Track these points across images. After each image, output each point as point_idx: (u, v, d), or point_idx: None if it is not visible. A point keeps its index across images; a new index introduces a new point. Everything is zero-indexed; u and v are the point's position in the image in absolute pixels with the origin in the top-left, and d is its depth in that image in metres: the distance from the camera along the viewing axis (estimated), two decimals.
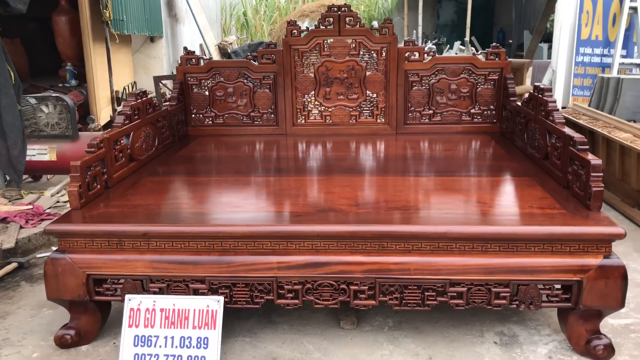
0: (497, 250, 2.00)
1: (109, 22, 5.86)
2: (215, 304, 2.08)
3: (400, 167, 2.83)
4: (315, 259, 2.04)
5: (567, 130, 2.36)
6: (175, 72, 9.07)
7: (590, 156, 2.13)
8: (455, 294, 2.04)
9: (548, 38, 12.38)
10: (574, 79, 8.04)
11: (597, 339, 2.08)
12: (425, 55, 3.44)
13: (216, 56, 9.60)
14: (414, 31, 13.98)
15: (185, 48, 10.18)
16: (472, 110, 3.49)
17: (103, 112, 6.22)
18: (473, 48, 11.47)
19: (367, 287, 2.05)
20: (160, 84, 6.67)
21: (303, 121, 3.56)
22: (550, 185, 2.39)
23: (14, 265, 2.90)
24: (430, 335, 2.26)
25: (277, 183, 2.59)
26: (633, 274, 2.78)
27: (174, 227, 2.06)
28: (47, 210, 3.55)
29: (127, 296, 2.11)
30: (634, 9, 7.79)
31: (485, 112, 3.48)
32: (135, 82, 7.42)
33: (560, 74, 8.11)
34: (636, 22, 7.82)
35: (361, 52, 3.44)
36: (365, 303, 2.08)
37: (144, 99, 2.90)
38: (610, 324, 2.32)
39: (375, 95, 3.50)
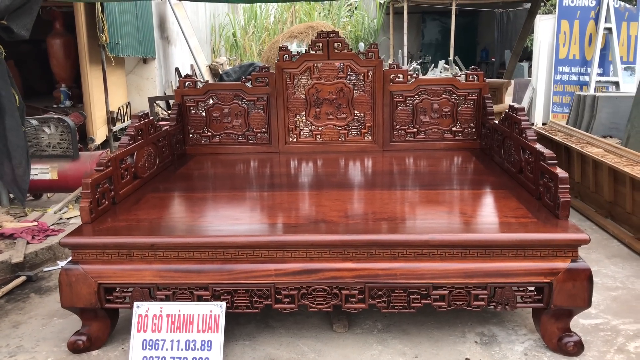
0: (475, 256, 2.20)
1: (105, 45, 6.06)
2: (217, 309, 2.26)
3: (387, 181, 3.03)
4: (309, 266, 2.23)
5: (538, 146, 2.59)
6: (166, 93, 9.30)
7: (558, 170, 2.35)
8: (438, 296, 2.24)
9: (529, 57, 12.78)
10: (553, 97, 8.35)
11: (568, 336, 2.28)
12: (409, 77, 3.67)
13: (207, 76, 9.82)
14: (400, 50, 14.34)
15: (177, 69, 10.41)
16: (454, 128, 3.71)
17: (99, 132, 6.40)
18: (457, 67, 11.81)
19: (357, 292, 2.24)
20: (155, 104, 6.85)
21: (295, 140, 3.77)
22: (524, 197, 2.60)
23: (22, 278, 3.05)
24: (416, 337, 2.45)
25: (272, 198, 2.78)
26: (604, 279, 3.00)
27: (180, 238, 2.24)
28: (52, 227, 3.70)
29: (135, 303, 2.28)
30: (609, 29, 8.14)
31: (465, 130, 3.71)
32: (129, 103, 7.62)
33: (540, 92, 8.42)
34: (611, 42, 8.16)
35: (349, 75, 3.67)
36: (355, 306, 2.27)
37: (146, 120, 3.09)
38: (581, 324, 2.53)
39: (362, 114, 3.72)
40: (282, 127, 3.74)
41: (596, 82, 8.10)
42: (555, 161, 2.44)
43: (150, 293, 2.30)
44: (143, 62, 8.63)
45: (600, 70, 8.25)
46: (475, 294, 2.23)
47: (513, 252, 2.19)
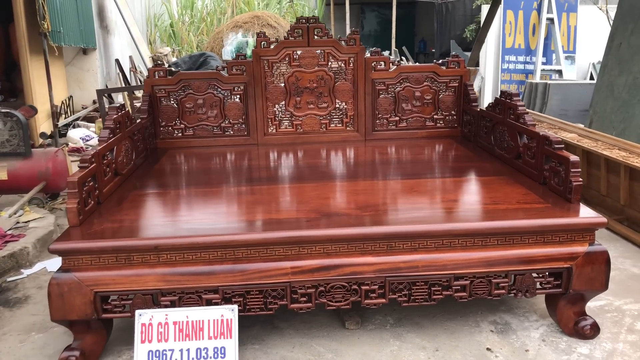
0: (495, 243, 2.16)
1: (47, 33, 5.62)
2: (229, 312, 2.10)
3: (384, 171, 2.94)
4: (328, 262, 2.11)
5: (542, 131, 2.58)
6: (108, 86, 8.81)
7: (568, 154, 2.34)
8: (459, 287, 2.17)
9: (468, 47, 13.10)
10: (501, 85, 8.57)
11: (584, 320, 2.29)
12: (391, 64, 3.59)
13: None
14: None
15: (117, 61, 9.91)
16: (435, 116, 3.68)
17: (42, 127, 5.95)
18: (404, 57, 11.92)
19: (377, 287, 2.15)
20: (105, 98, 6.45)
21: (274, 130, 3.61)
22: (526, 183, 2.59)
23: None
24: (431, 329, 2.38)
25: (269, 191, 2.62)
26: None
27: (187, 238, 2.06)
28: (9, 232, 3.37)
29: (137, 312, 2.08)
30: (551, 19, 8.43)
31: (447, 118, 3.69)
32: (71, 97, 7.14)
33: (488, 80, 8.62)
34: (553, 31, 8.46)
35: (330, 62, 3.55)
36: (375, 302, 2.17)
37: (122, 112, 2.85)
38: (587, 306, 2.54)
39: (344, 103, 3.61)
40: (260, 118, 3.57)
41: (541, 70, 8.39)
42: (562, 145, 2.43)
43: (153, 299, 2.11)
44: (83, 53, 8.13)
45: (544, 59, 8.55)
46: (496, 283, 2.18)
47: (533, 239, 2.16)
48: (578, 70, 8.65)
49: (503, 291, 2.19)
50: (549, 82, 6.73)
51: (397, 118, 3.66)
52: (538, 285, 2.22)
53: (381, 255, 2.13)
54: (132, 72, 10.08)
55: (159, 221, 2.27)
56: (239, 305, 2.11)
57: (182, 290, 2.10)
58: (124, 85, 9.05)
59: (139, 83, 9.88)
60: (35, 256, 3.23)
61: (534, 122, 2.71)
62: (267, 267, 2.10)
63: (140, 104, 3.62)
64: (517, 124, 2.79)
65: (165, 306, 2.10)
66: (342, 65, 3.56)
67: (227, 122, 3.58)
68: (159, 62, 9.49)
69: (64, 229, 3.72)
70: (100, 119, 6.84)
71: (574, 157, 2.30)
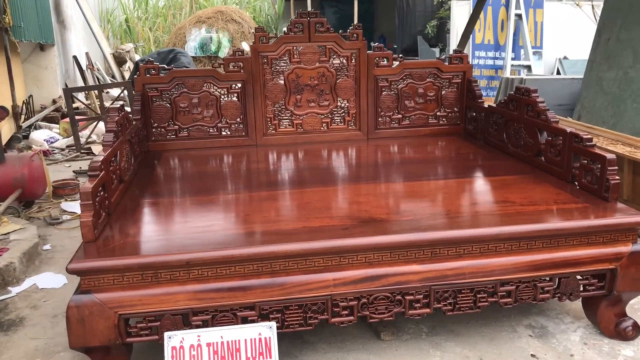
0: (540, 246, 2.07)
1: (9, 28, 5.24)
2: (267, 330, 1.94)
3: (402, 172, 2.82)
4: (372, 272, 1.98)
5: (569, 128, 2.52)
6: (67, 84, 8.37)
7: (604, 152, 2.28)
8: (504, 293, 2.08)
9: (435, 43, 13.19)
10: None
11: (624, 321, 2.24)
12: (394, 60, 3.48)
13: (113, 65, 8.98)
14: None
15: (75, 57, 9.45)
16: (438, 113, 3.60)
17: (3, 128, 5.55)
18: None
19: (422, 296, 2.03)
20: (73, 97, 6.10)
21: (274, 130, 3.44)
22: (553, 181, 2.52)
23: None
24: (469, 337, 2.29)
25: (294, 197, 2.46)
26: None
27: (221, 251, 1.88)
28: None
29: (166, 334, 1.89)
30: (519, 15, 8.54)
31: (449, 115, 3.61)
32: (31, 96, 6.72)
33: None
34: (521, 27, 8.57)
35: (331, 59, 3.40)
36: (419, 312, 2.05)
37: (123, 113, 2.62)
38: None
39: (346, 101, 3.48)
40: (259, 117, 3.40)
41: (510, 66, 8.49)
42: (594, 143, 2.38)
43: (183, 320, 1.92)
44: (40, 50, 7.67)
45: (513, 55, 8.66)
46: (542, 287, 2.10)
47: (577, 240, 2.09)
48: (545, 66, 8.81)
49: (548, 295, 2.12)
50: (524, 77, 6.79)
51: (399, 116, 3.55)
52: (581, 288, 2.16)
53: (426, 263, 2.01)
54: (89, 70, 9.63)
55: (181, 233, 2.07)
56: (276, 322, 1.95)
57: (215, 309, 1.92)
58: (83, 84, 8.63)
59: (97, 81, 9.46)
60: (22, 272, 2.95)
61: (557, 119, 2.65)
62: (308, 280, 1.94)
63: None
64: (538, 120, 2.73)
65: (197, 326, 1.92)
66: (344, 61, 3.42)
67: (224, 122, 3.39)
68: (123, 59, 9.09)
69: (47, 240, 3.46)
70: (66, 119, 6.47)
71: (610, 155, 2.24)
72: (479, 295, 2.07)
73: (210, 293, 1.90)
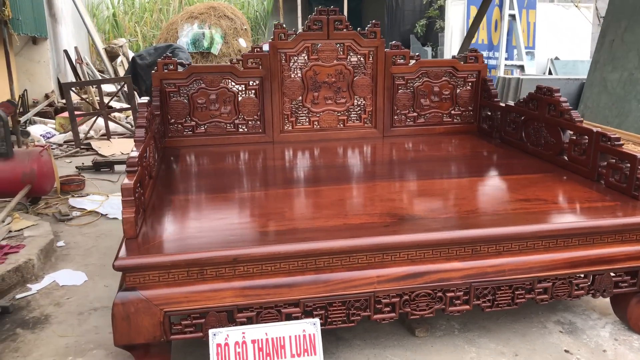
0: (576, 244, 2.11)
1: (8, 21, 5.13)
2: (311, 327, 1.93)
3: (427, 170, 2.84)
4: (415, 269, 1.99)
5: (595, 128, 2.56)
6: (59, 79, 8.23)
7: (634, 151, 2.32)
8: (541, 289, 2.11)
9: (425, 42, 13.26)
10: None
11: None
12: (410, 59, 3.50)
13: (106, 60, 8.86)
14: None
15: (65, 51, 9.31)
16: (453, 112, 3.62)
17: None
18: None
19: (462, 293, 2.05)
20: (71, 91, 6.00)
21: (290, 127, 3.44)
22: (578, 179, 2.57)
23: None
24: (501, 333, 2.31)
25: (329, 193, 2.43)
26: None
27: (269, 247, 1.87)
28: (3, 242, 3.02)
29: (211, 331, 1.88)
30: (512, 16, 8.63)
31: (464, 113, 3.64)
32: (26, 90, 6.59)
33: None
34: (515, 27, 8.67)
35: (349, 56, 3.41)
36: (459, 309, 2.07)
37: (150, 108, 2.59)
38: None
39: (362, 99, 3.49)
40: (277, 114, 3.39)
41: (505, 65, 8.59)
42: (622, 142, 2.42)
43: (228, 317, 1.91)
44: (32, 43, 7.53)
45: (506, 55, 8.75)
46: (577, 283, 2.14)
47: (612, 237, 2.13)
48: (537, 66, 8.92)
49: (582, 292, 2.15)
50: (521, 77, 6.87)
51: (415, 114, 3.57)
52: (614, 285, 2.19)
53: (467, 260, 2.03)
54: (77, 64, 9.49)
55: (220, 230, 2.05)
56: (320, 319, 1.95)
57: (260, 305, 1.91)
58: (75, 79, 8.50)
59: (86, 75, 9.33)
60: (40, 269, 2.91)
61: (580, 118, 2.69)
62: (352, 277, 1.95)
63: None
64: (561, 120, 2.77)
65: (241, 323, 1.91)
66: (362, 59, 3.43)
67: (241, 118, 3.37)
68: (115, 54, 8.96)
69: (59, 237, 3.40)
70: (63, 114, 6.36)
71: None
72: (517, 292, 2.09)
73: (256, 290, 1.89)
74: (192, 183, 2.64)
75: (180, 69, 3.26)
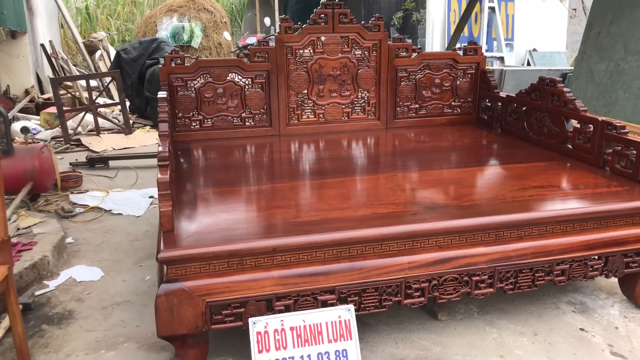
0: (592, 227, 2.22)
1: None
2: (346, 313, 2.00)
3: (438, 159, 2.91)
4: (443, 254, 2.07)
5: (600, 117, 2.68)
6: (38, 74, 8.07)
7: (638, 139, 2.44)
8: (559, 271, 2.22)
9: (401, 34, 13.37)
10: None
11: None
12: (412, 52, 3.58)
13: (86, 54, 8.71)
14: (272, 27, 14.08)
15: (42, 46, 9.12)
16: (453, 103, 3.72)
17: None
18: None
19: (487, 277, 2.14)
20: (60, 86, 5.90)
21: (296, 120, 3.48)
22: (583, 167, 2.68)
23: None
24: (517, 315, 2.42)
25: (351, 184, 2.50)
26: None
27: (305, 237, 1.93)
28: (14, 239, 2.99)
29: (250, 320, 1.93)
30: (492, 8, 8.79)
31: (463, 104, 3.74)
32: (8, 86, 6.46)
33: None
34: (494, 20, 8.83)
35: (353, 49, 3.46)
36: (484, 292, 2.16)
37: (169, 103, 2.61)
38: None
39: (366, 91, 3.55)
40: (283, 107, 3.42)
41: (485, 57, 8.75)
42: (628, 130, 2.54)
43: (267, 305, 1.96)
44: (12, 37, 7.36)
45: (486, 47, 8.92)
46: (591, 265, 2.25)
47: (624, 220, 2.25)
48: (516, 57, 9.12)
49: (597, 272, 2.26)
50: (504, 68, 7.03)
51: (417, 105, 3.65)
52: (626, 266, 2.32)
53: (491, 245, 2.12)
54: (53, 58, 9.30)
55: (252, 222, 2.10)
56: (354, 305, 2.02)
57: (297, 293, 1.97)
58: (52, 74, 8.34)
59: (62, 70, 9.15)
60: (55, 265, 2.90)
61: (585, 107, 2.81)
62: (385, 264, 2.02)
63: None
64: (565, 109, 2.88)
65: (280, 311, 1.96)
66: (366, 52, 3.49)
67: (247, 112, 3.40)
68: (95, 48, 8.82)
69: (67, 233, 3.38)
70: (47, 110, 6.26)
71: None
72: (537, 275, 2.19)
73: (294, 278, 1.94)
74: (209, 177, 2.67)
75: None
